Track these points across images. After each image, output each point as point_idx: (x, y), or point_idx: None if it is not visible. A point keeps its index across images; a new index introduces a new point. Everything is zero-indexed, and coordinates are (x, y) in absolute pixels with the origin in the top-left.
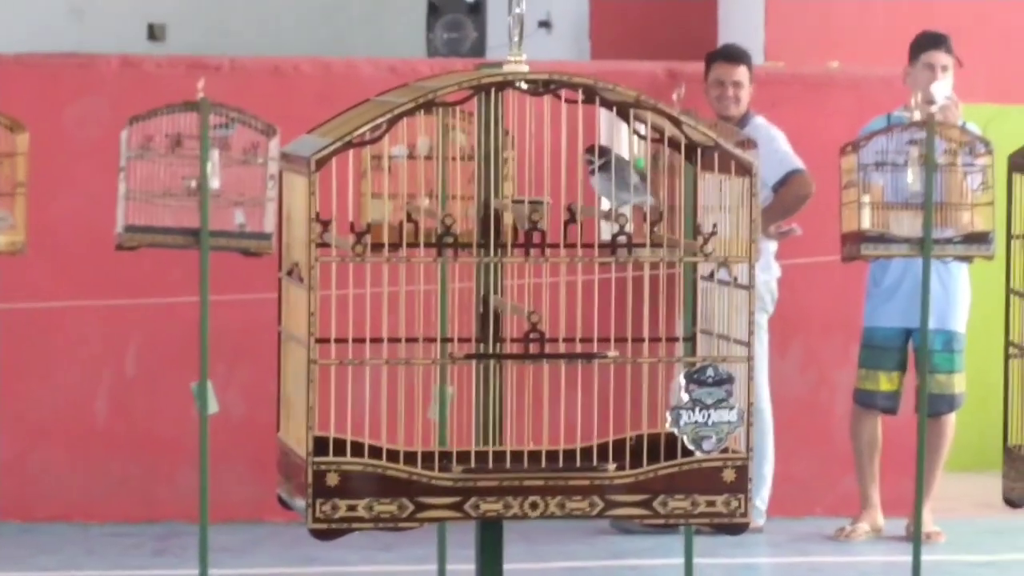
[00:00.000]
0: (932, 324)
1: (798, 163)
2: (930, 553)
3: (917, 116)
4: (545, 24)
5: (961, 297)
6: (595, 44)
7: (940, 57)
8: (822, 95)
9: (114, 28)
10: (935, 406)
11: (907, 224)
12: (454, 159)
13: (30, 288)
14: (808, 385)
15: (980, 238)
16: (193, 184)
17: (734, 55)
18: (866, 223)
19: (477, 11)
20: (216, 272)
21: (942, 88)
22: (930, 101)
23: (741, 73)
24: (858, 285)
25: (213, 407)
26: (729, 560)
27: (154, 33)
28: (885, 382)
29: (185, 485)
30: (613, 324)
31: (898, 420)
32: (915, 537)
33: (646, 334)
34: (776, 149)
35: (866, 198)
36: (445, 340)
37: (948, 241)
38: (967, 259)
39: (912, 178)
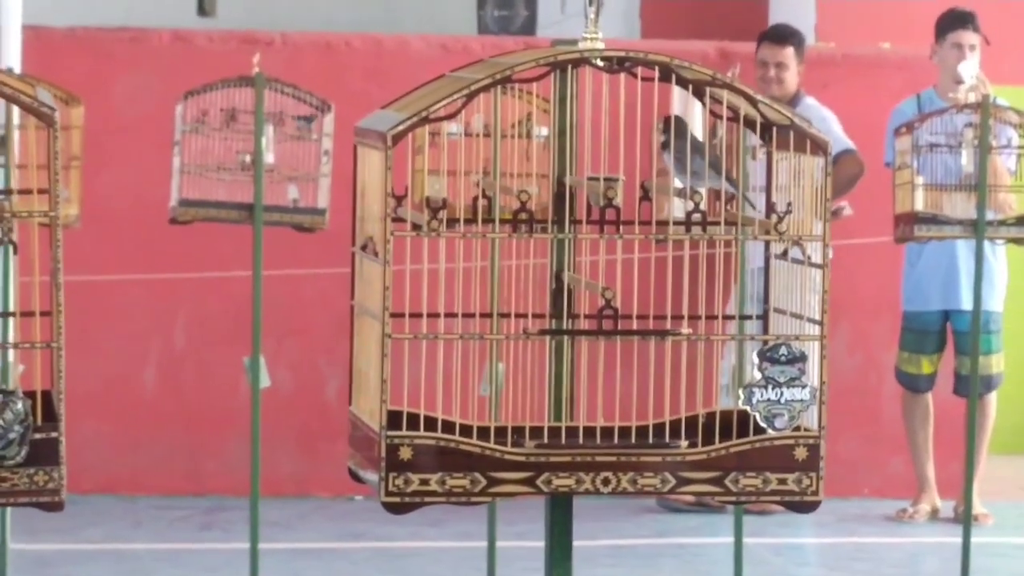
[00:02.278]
0: (969, 304)
1: (849, 143)
2: (978, 535)
3: (963, 97)
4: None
5: (998, 277)
6: (645, 23)
7: (967, 36)
8: (873, 76)
9: (164, 3)
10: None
11: (960, 206)
12: (508, 138)
13: (82, 261)
14: (856, 366)
15: None
16: (247, 159)
17: (779, 36)
18: (919, 204)
19: None
20: (266, 247)
21: (969, 68)
22: (959, 81)
23: (786, 54)
24: (903, 267)
25: (265, 381)
26: (776, 540)
27: (204, 7)
28: (927, 365)
29: (232, 459)
30: (686, 301)
31: (940, 402)
32: (965, 519)
33: (719, 312)
34: (827, 129)
35: (920, 179)
36: (487, 315)
37: (1002, 223)
38: (1020, 241)
39: (966, 160)
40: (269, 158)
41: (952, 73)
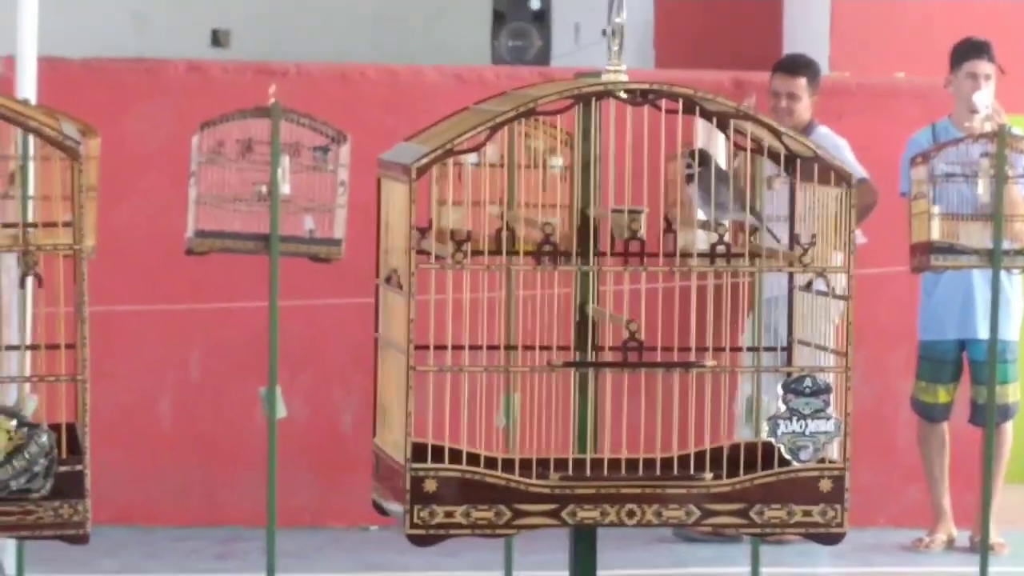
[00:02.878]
0: (985, 334)
1: (862, 171)
2: (995, 564)
3: (978, 127)
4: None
5: (1015, 306)
6: (659, 53)
7: (982, 66)
8: (888, 105)
9: (178, 34)
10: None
11: (976, 235)
12: (524, 167)
13: (96, 291)
14: (872, 395)
15: None
16: (264, 189)
17: (791, 66)
18: (936, 234)
19: (542, 19)
20: (282, 277)
21: (984, 97)
22: (974, 111)
23: (798, 85)
24: (919, 296)
25: (282, 412)
26: (792, 569)
27: (218, 39)
28: (943, 394)
29: (248, 490)
30: (711, 333)
31: (956, 431)
32: (982, 548)
33: (743, 343)
34: (840, 158)
35: (936, 209)
36: (508, 348)
37: (1018, 253)
38: None
39: (982, 189)
40: (285, 189)
41: (967, 103)
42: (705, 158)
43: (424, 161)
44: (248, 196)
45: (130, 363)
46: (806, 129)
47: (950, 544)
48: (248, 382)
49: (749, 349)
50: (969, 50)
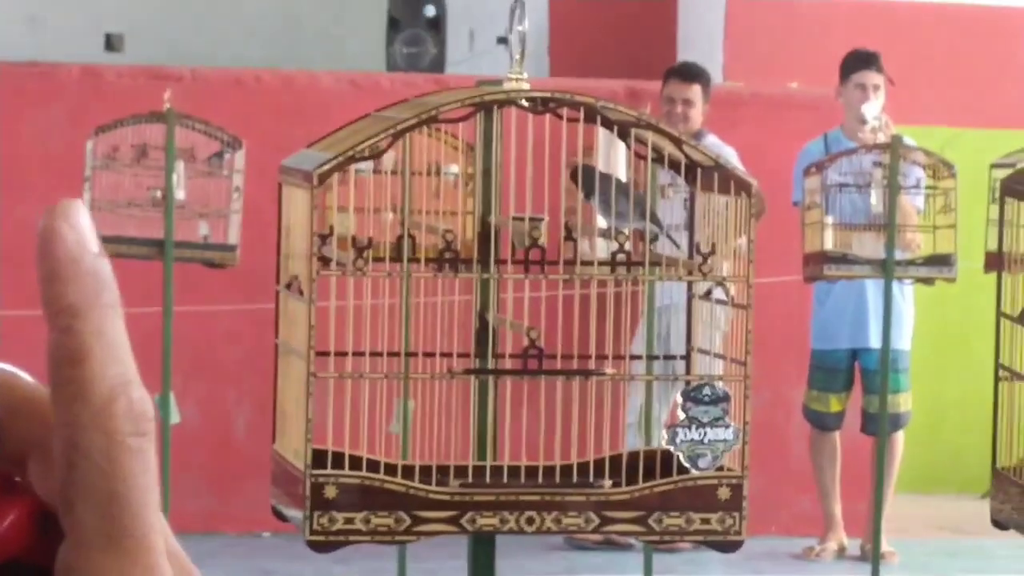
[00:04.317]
0: (877, 343)
1: (751, 181)
2: (885, 573)
3: (869, 138)
4: (504, 40)
5: (907, 316)
6: (554, 61)
7: (871, 76)
8: (781, 115)
9: (72, 38)
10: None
11: (869, 245)
12: (421, 175)
13: None
14: (764, 405)
15: (942, 260)
16: (158, 194)
17: (687, 73)
18: (829, 244)
19: (437, 27)
20: (176, 283)
21: (872, 108)
22: (862, 121)
23: (693, 92)
24: (811, 305)
25: (175, 417)
26: None
27: (112, 43)
28: (835, 403)
29: None
30: (610, 341)
31: (848, 440)
32: (874, 557)
33: (644, 352)
34: None
35: (829, 219)
36: (408, 354)
37: (911, 263)
38: (929, 281)
39: (875, 199)
40: (180, 194)
41: (856, 114)
42: (588, 173)
43: (326, 168)
44: (143, 201)
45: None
46: (695, 137)
47: (841, 552)
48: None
49: (645, 357)
50: (858, 61)
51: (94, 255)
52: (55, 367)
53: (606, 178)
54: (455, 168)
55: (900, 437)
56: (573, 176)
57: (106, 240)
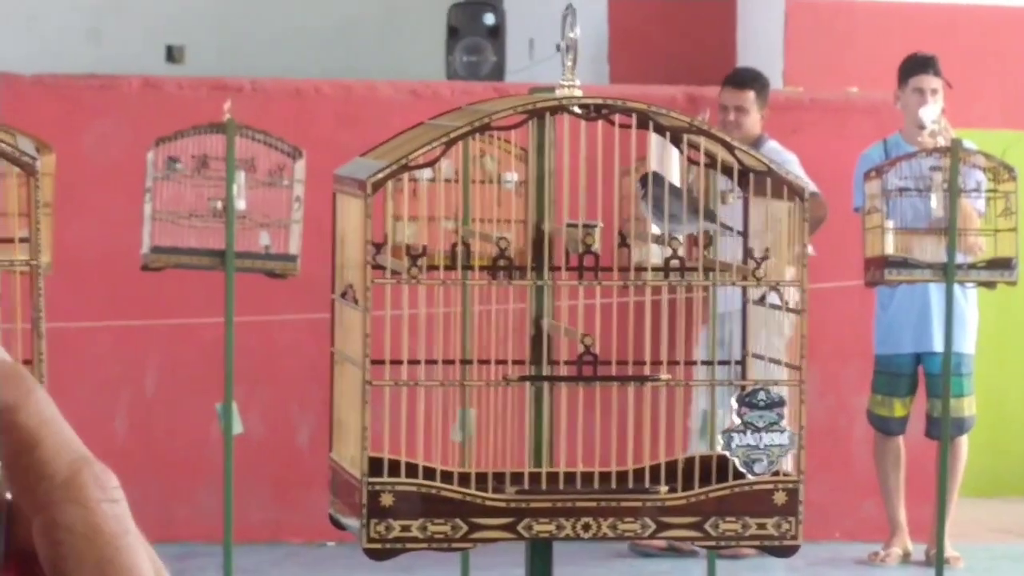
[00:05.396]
0: (941, 347)
1: (812, 186)
2: None
3: (928, 142)
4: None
5: (970, 320)
6: (614, 68)
7: (929, 80)
8: (841, 120)
9: (132, 50)
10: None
11: (930, 249)
12: (479, 183)
13: (51, 308)
14: (827, 410)
15: (1003, 264)
16: (219, 205)
17: (740, 80)
18: (890, 248)
19: (496, 35)
20: (238, 293)
21: (930, 112)
22: (920, 125)
23: (746, 98)
24: (874, 310)
25: (238, 428)
26: None
27: (172, 55)
28: (899, 408)
29: (204, 506)
30: (666, 346)
31: (912, 445)
32: (937, 562)
33: (697, 357)
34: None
35: (890, 223)
36: (464, 362)
37: (972, 267)
38: (990, 285)
39: (936, 203)
40: (241, 204)
41: (914, 118)
42: (658, 180)
43: (379, 176)
44: (203, 212)
45: (85, 380)
46: (755, 143)
47: (906, 558)
48: (204, 398)
49: (703, 363)
50: (916, 65)
51: (10, 361)
52: (11, 462)
53: (673, 187)
54: (514, 176)
55: (964, 441)
56: (643, 182)
57: (167, 251)
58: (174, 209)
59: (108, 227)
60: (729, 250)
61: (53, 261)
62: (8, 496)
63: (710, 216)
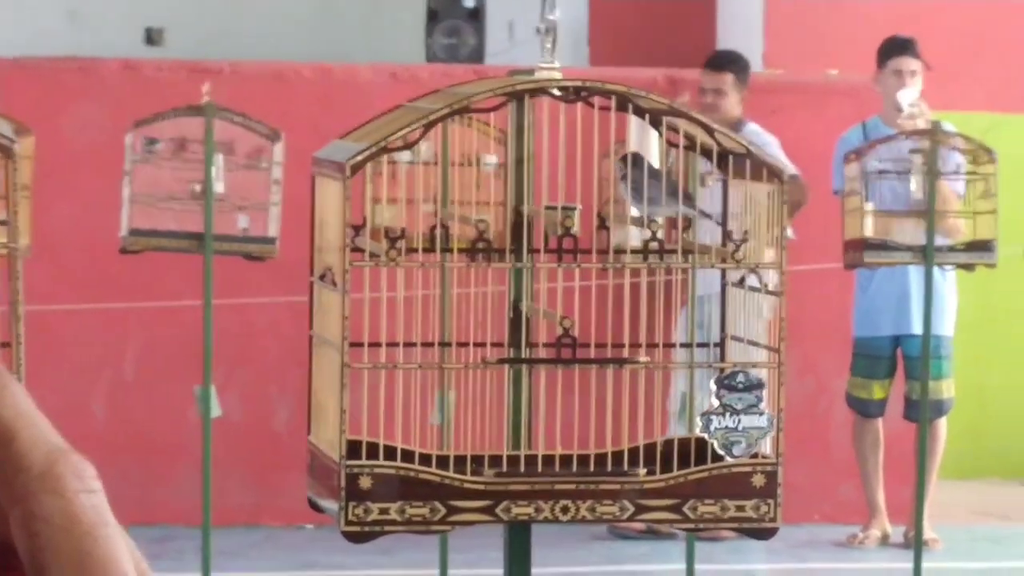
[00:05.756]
0: (919, 329)
1: (792, 169)
2: (928, 560)
3: (907, 125)
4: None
5: (948, 302)
6: (593, 50)
7: (907, 63)
8: (821, 102)
9: (111, 32)
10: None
11: (909, 232)
12: (458, 165)
13: (29, 291)
14: (806, 392)
15: (982, 246)
16: (197, 188)
17: (717, 63)
18: (869, 230)
19: (476, 17)
20: (216, 276)
21: (908, 95)
22: (898, 108)
23: (724, 80)
24: (854, 293)
25: (216, 411)
26: (726, 566)
27: (152, 37)
28: (878, 390)
29: (182, 488)
30: (645, 329)
31: (890, 427)
32: (916, 544)
33: (676, 340)
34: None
35: (869, 205)
36: (443, 345)
37: (951, 249)
38: (969, 267)
39: (915, 186)
40: (219, 187)
41: (893, 100)
42: (637, 161)
43: (358, 159)
44: (182, 195)
45: (64, 362)
46: (735, 126)
47: (884, 540)
48: (182, 381)
49: (682, 345)
50: (894, 47)
51: None
52: None
53: (652, 169)
54: (494, 158)
55: (943, 424)
56: (623, 162)
57: (146, 234)
58: (152, 192)
59: (87, 210)
60: (708, 233)
61: (32, 244)
62: None
63: (689, 200)
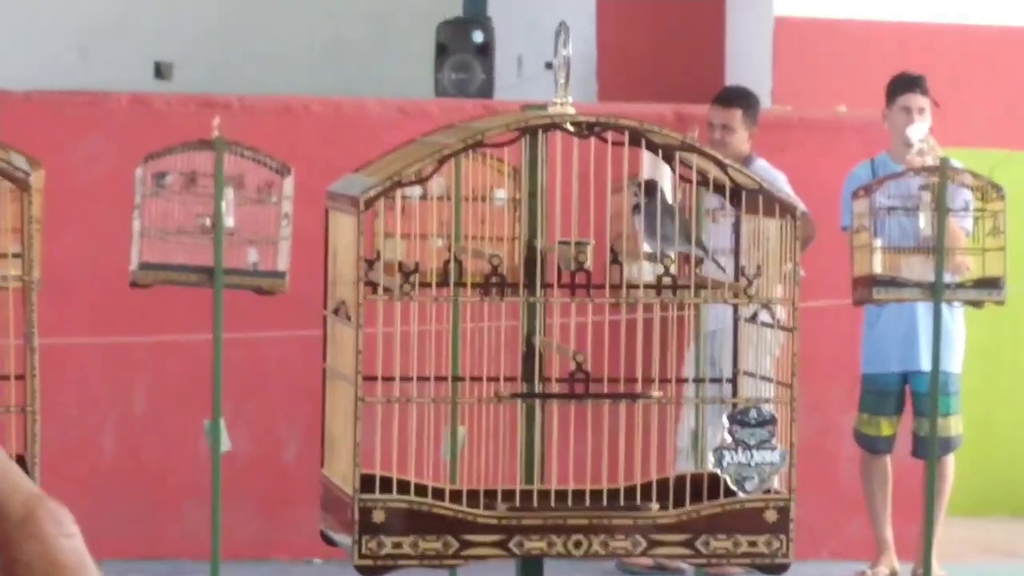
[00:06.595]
0: (928, 366)
1: (800, 205)
2: None
3: (915, 161)
4: (551, 66)
5: (957, 339)
6: (602, 86)
7: (916, 99)
8: (829, 139)
9: (121, 66)
10: (931, 449)
11: (917, 268)
12: (470, 200)
13: (41, 324)
14: (814, 428)
15: (991, 283)
16: (207, 222)
17: (726, 99)
18: (878, 267)
19: (485, 52)
20: (226, 310)
21: (918, 131)
22: (907, 144)
23: (732, 116)
24: (862, 329)
25: (226, 445)
26: None
27: (161, 71)
28: (886, 427)
29: (192, 523)
30: (657, 364)
31: (899, 464)
32: None
33: (690, 375)
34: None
35: (878, 242)
36: (456, 379)
37: (959, 286)
38: (977, 304)
39: (924, 223)
40: (229, 221)
41: (902, 136)
42: (651, 188)
43: (372, 193)
44: (192, 228)
45: (73, 395)
46: (744, 162)
47: None
48: (191, 415)
49: (691, 380)
50: (903, 84)
51: None
52: None
53: (666, 204)
54: (503, 193)
55: (951, 460)
56: (636, 188)
57: (156, 268)
58: (163, 225)
59: (96, 243)
60: (715, 269)
61: (42, 277)
62: None
63: (700, 243)
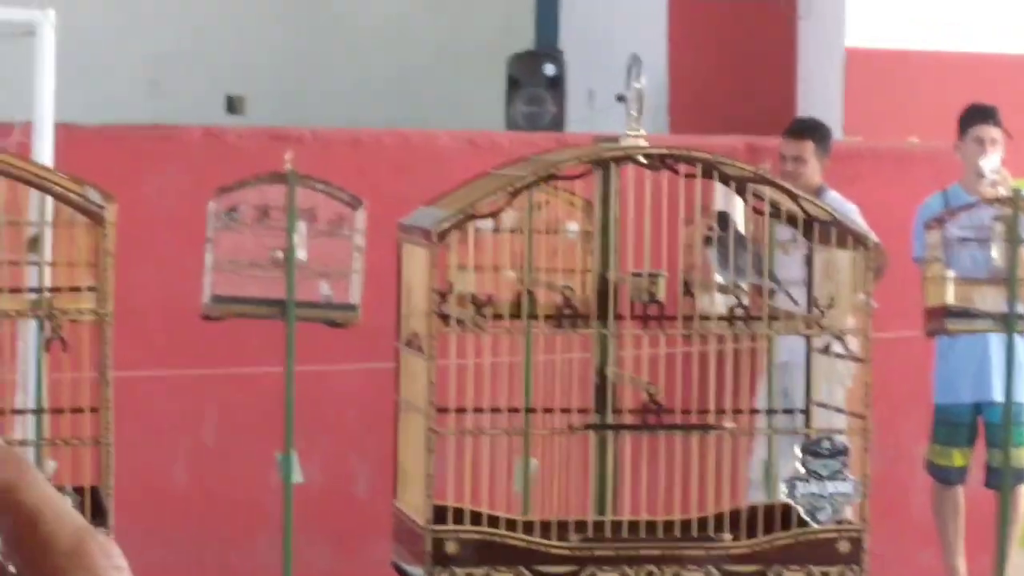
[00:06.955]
0: (1000, 396)
1: (872, 236)
2: None
3: (988, 192)
4: (622, 98)
5: None
6: (673, 118)
7: (988, 131)
8: (901, 170)
9: (193, 100)
10: (1004, 479)
11: (990, 299)
12: (542, 233)
13: (113, 357)
14: (887, 459)
15: None
16: (280, 255)
17: (797, 130)
18: (951, 298)
19: (557, 85)
20: (298, 343)
21: (990, 163)
22: (980, 175)
23: (804, 148)
24: (934, 359)
25: (298, 477)
26: None
27: (233, 105)
28: (959, 458)
29: (262, 555)
30: (730, 396)
31: (971, 495)
32: None
33: (764, 407)
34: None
35: (950, 273)
36: (528, 411)
37: None
38: None
39: (996, 254)
40: (301, 254)
41: (974, 168)
42: (725, 221)
43: (445, 225)
44: (264, 261)
45: (145, 427)
46: (816, 193)
47: None
48: (263, 447)
49: (765, 412)
50: (976, 115)
51: (2, 443)
52: (16, 541)
53: (739, 236)
54: (575, 226)
55: (1021, 491)
56: (718, 221)
57: (228, 301)
58: (235, 258)
59: (168, 276)
60: (785, 300)
61: (114, 310)
62: (12, 570)
63: (772, 275)
